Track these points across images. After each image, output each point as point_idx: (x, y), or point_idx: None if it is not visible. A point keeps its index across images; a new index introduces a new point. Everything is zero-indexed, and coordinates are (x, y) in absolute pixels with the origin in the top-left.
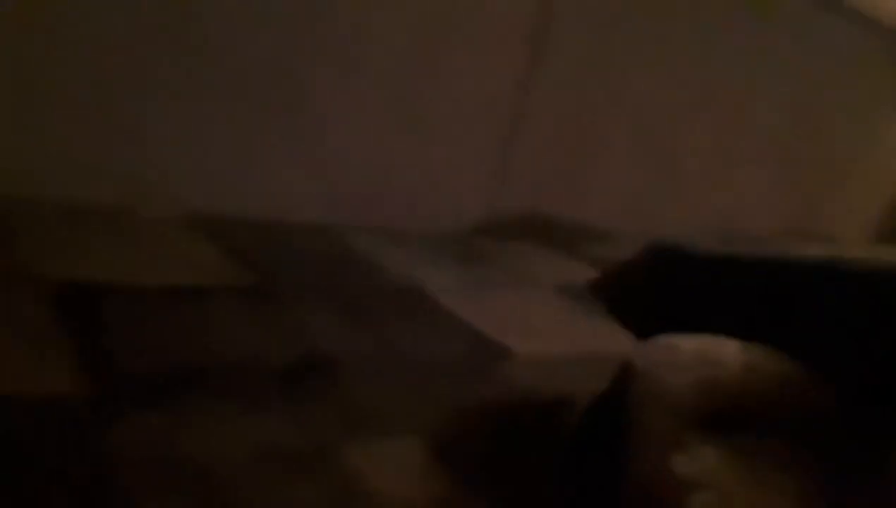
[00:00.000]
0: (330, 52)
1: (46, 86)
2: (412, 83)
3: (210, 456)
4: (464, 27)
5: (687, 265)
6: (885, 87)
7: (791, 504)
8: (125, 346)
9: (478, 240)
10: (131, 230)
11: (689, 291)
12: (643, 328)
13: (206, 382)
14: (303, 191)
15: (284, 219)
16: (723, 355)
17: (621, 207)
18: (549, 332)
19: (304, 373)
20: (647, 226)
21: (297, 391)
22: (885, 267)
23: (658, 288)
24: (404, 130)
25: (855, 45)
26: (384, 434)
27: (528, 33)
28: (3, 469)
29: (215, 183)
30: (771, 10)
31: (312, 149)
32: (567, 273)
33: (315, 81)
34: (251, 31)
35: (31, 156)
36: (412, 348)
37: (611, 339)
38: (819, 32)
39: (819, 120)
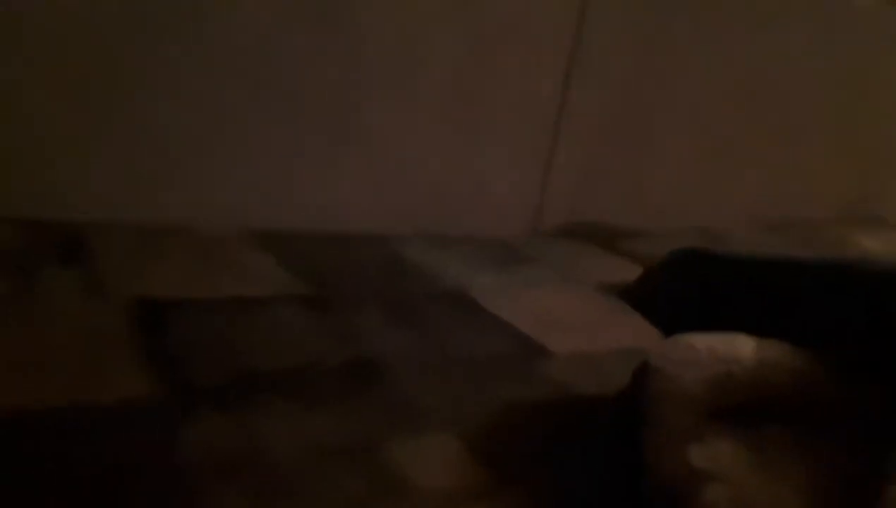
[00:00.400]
0: (383, 65)
1: (106, 113)
2: (461, 91)
3: (270, 452)
4: (509, 35)
5: (710, 267)
6: None
7: (802, 496)
8: (194, 354)
9: (524, 242)
10: (195, 247)
11: (712, 292)
12: (669, 328)
13: (268, 385)
14: (355, 202)
15: (339, 231)
16: (737, 351)
17: (673, 203)
18: (589, 330)
19: (357, 374)
20: (701, 220)
21: (349, 390)
22: None
23: (682, 289)
24: (453, 138)
25: None
26: (426, 431)
27: (572, 32)
28: (86, 467)
29: (271, 197)
30: None
31: (364, 161)
32: (610, 271)
33: (369, 93)
34: (306, 49)
35: (99, 180)
36: (456, 348)
37: (649, 336)
38: (870, 11)
39: (873, 100)
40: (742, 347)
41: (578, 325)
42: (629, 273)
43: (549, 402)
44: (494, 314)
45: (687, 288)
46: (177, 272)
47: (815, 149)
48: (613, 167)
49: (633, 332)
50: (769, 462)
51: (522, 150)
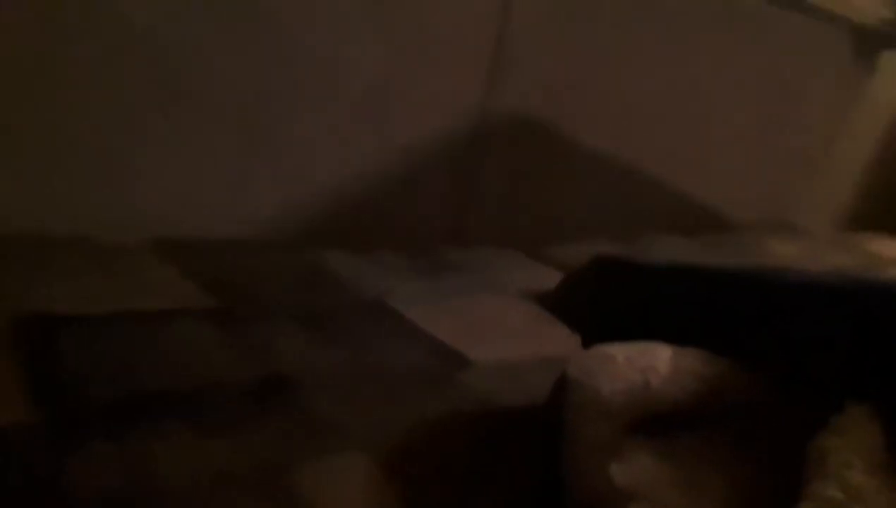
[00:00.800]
0: (298, 71)
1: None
2: (379, 98)
3: (165, 481)
4: (430, 45)
5: (630, 274)
6: (852, 79)
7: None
8: (83, 374)
9: (447, 250)
10: (93, 258)
11: (633, 300)
12: (590, 336)
13: (165, 407)
14: (269, 208)
15: (252, 238)
16: (654, 360)
17: (593, 211)
18: (512, 339)
19: (264, 392)
20: (620, 227)
21: (255, 410)
22: (818, 278)
23: (602, 296)
24: (372, 145)
25: (822, 40)
26: (338, 451)
27: (493, 44)
28: None
29: (178, 203)
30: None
31: (278, 165)
32: (534, 279)
33: (283, 95)
34: (213, 50)
35: None
36: (373, 362)
37: (572, 344)
38: (785, 30)
39: (787, 113)
40: (659, 356)
41: (501, 334)
42: (553, 280)
43: (469, 415)
44: (415, 324)
45: (607, 295)
46: (72, 285)
47: (732, 158)
48: (535, 178)
49: (557, 340)
50: (690, 477)
51: (443, 160)
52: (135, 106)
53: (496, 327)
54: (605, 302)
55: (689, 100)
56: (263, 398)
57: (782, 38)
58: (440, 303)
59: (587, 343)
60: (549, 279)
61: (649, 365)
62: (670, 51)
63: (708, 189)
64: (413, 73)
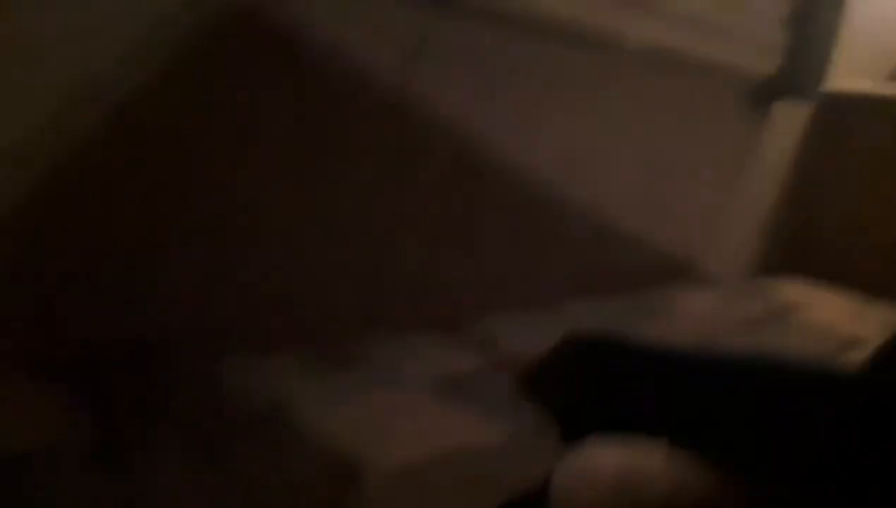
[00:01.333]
0: None
1: None
2: None
3: None
4: None
5: (611, 355)
6: (747, 130)
7: None
8: None
9: (355, 341)
10: None
11: (615, 385)
12: (569, 426)
13: None
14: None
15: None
16: (647, 470)
17: (508, 278)
18: (418, 437)
19: None
20: (532, 284)
21: None
22: (807, 368)
23: (582, 379)
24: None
25: (716, 95)
26: None
27: None
28: None
29: None
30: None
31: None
32: (450, 363)
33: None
34: None
35: None
36: (260, 484)
37: (485, 435)
38: (677, 88)
39: (686, 169)
40: (652, 465)
41: (407, 432)
42: (471, 361)
43: None
44: (310, 433)
45: (587, 378)
46: None
47: (637, 217)
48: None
49: (471, 431)
50: None
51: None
52: None
53: (403, 424)
54: (582, 386)
55: (585, 165)
56: None
57: (676, 96)
58: (341, 405)
59: (565, 431)
60: (468, 361)
61: (641, 476)
62: (560, 117)
63: (616, 250)
64: None
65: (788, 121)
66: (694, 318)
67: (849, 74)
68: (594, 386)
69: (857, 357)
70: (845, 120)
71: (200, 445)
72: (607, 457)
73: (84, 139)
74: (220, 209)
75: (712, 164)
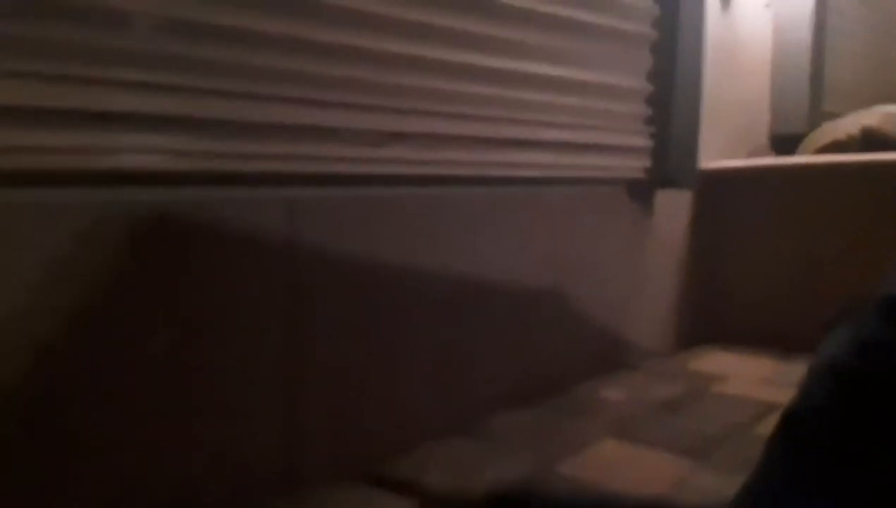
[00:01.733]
0: None
1: None
2: None
3: None
4: None
5: None
6: (637, 223)
7: None
8: None
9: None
10: None
11: None
12: None
13: None
14: None
15: None
16: None
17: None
18: None
19: None
20: (463, 403)
21: None
22: None
23: None
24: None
25: (604, 202)
26: None
27: None
28: None
29: None
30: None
31: None
32: None
33: None
34: None
35: None
36: None
37: None
38: (563, 199)
39: (587, 272)
40: None
41: None
42: None
43: None
44: None
45: None
46: None
47: (551, 320)
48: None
49: None
50: None
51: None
52: None
53: None
54: None
55: (494, 283)
56: None
57: (570, 205)
58: None
59: None
60: None
61: None
62: (463, 241)
63: (535, 356)
64: None
65: (674, 204)
66: (615, 408)
67: (719, 153)
68: None
69: (772, 424)
70: (723, 193)
71: None
72: None
73: None
74: None
75: (613, 256)
